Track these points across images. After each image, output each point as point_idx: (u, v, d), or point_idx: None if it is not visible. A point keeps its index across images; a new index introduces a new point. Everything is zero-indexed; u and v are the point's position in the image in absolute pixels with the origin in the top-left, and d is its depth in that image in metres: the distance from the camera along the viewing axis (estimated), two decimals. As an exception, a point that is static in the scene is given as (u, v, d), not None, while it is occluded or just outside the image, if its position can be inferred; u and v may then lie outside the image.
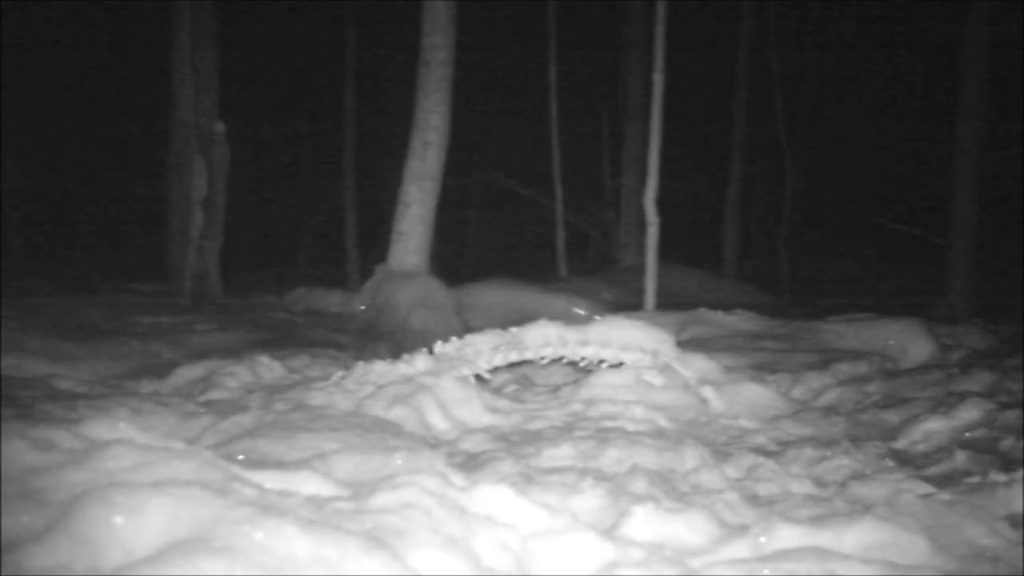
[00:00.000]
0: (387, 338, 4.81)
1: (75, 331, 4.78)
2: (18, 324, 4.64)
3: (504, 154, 14.53)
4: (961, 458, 2.79)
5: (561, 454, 2.72)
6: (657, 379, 3.68)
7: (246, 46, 12.50)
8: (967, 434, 3.15)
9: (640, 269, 6.27)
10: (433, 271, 7.30)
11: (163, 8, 7.58)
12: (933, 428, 3.22)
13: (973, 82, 8.18)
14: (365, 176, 12.64)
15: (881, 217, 12.32)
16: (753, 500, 2.36)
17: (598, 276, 9.94)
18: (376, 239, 9.39)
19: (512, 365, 3.82)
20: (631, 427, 3.15)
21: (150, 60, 10.71)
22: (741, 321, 5.89)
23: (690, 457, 2.71)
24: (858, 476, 2.63)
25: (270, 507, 1.54)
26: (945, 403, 3.49)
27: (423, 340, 4.19)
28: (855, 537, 1.76)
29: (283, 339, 5.08)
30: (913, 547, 1.74)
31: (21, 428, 1.76)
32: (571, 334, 3.79)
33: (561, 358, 3.83)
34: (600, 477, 2.43)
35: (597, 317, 3.66)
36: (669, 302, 6.65)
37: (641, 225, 6.93)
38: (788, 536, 1.77)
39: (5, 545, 1.39)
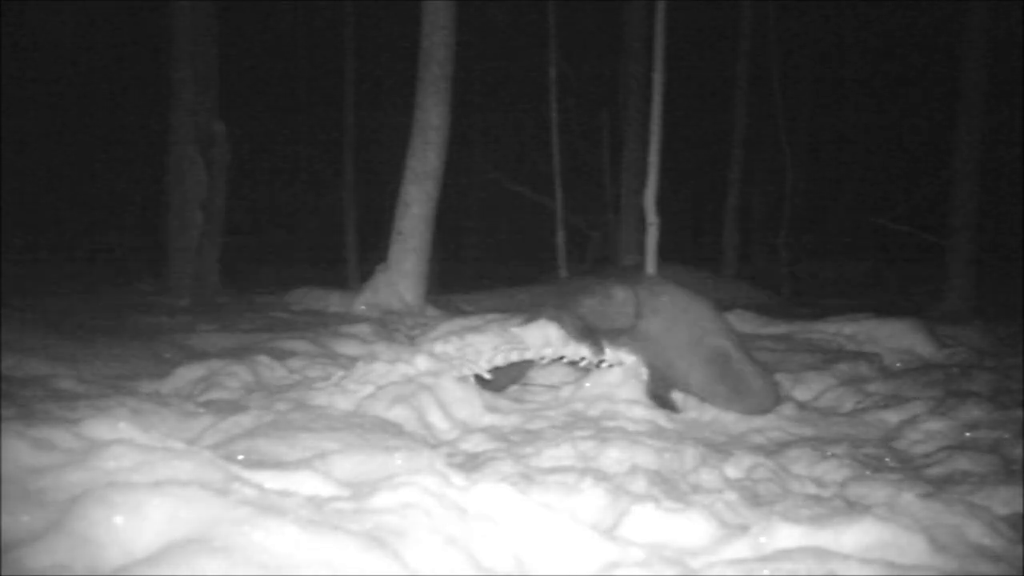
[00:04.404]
0: None
1: (75, 331, 4.78)
2: (18, 324, 4.63)
3: (504, 154, 14.55)
4: (961, 458, 2.79)
5: (561, 454, 2.72)
6: (657, 379, 3.68)
7: (246, 46, 12.52)
8: (967, 434, 3.16)
9: (640, 269, 6.27)
10: (433, 271, 7.30)
11: (163, 8, 7.58)
12: (933, 428, 3.23)
13: (973, 82, 8.18)
14: (365, 176, 12.64)
15: (881, 217, 12.33)
16: (753, 500, 2.36)
17: (597, 276, 9.93)
18: (376, 239, 9.39)
19: (512, 365, 3.82)
20: (631, 427, 3.15)
21: (150, 60, 10.71)
22: (741, 321, 5.90)
23: (690, 457, 2.71)
24: (858, 476, 2.64)
25: (270, 507, 1.54)
26: (945, 403, 3.49)
27: None
28: (855, 537, 1.76)
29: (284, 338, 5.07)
30: (913, 547, 1.74)
31: (21, 428, 1.76)
32: (571, 334, 3.79)
33: (561, 358, 3.83)
34: (600, 477, 2.43)
35: None
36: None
37: (641, 225, 6.93)
38: (788, 536, 1.77)
39: (5, 545, 1.39)
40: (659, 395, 3.60)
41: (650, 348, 3.63)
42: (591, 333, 3.71)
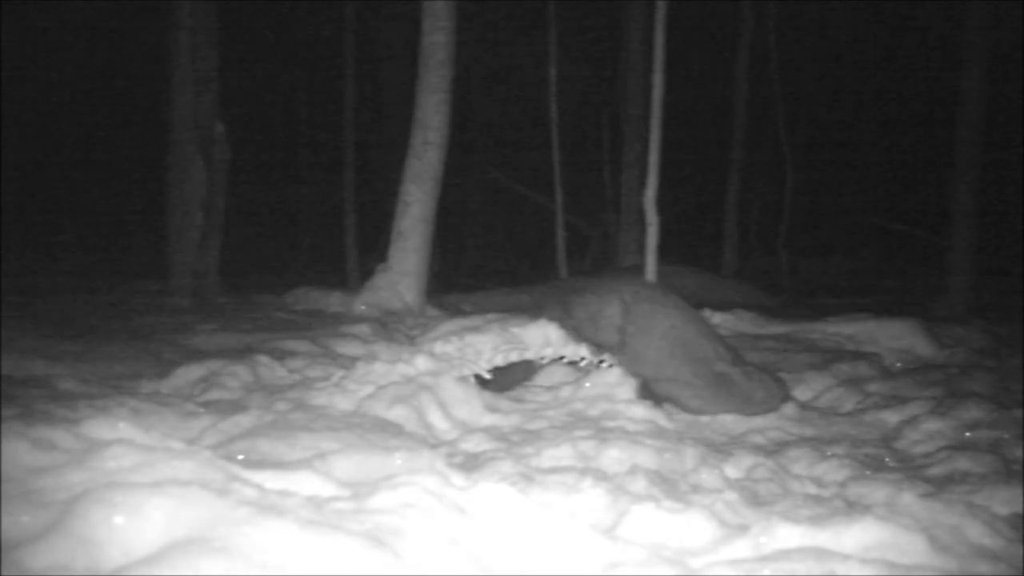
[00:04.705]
0: None
1: (75, 331, 4.78)
2: (18, 324, 4.63)
3: (504, 154, 14.54)
4: (961, 458, 2.79)
5: (561, 454, 2.72)
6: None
7: (246, 46, 12.51)
8: (967, 434, 3.16)
9: (640, 269, 6.27)
10: (433, 271, 7.30)
11: (163, 8, 7.57)
12: (933, 428, 3.23)
13: (973, 82, 8.17)
14: (365, 176, 12.64)
15: (881, 217, 12.33)
16: (753, 500, 2.36)
17: (598, 276, 9.92)
18: (376, 239, 9.39)
19: (519, 364, 3.82)
20: (631, 427, 3.15)
21: (150, 60, 10.71)
22: (741, 321, 5.90)
23: (690, 457, 2.71)
24: (858, 476, 2.64)
25: (270, 507, 1.54)
26: (945, 403, 3.49)
27: None
28: (855, 537, 1.76)
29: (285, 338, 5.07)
30: (913, 547, 1.74)
31: (21, 428, 1.76)
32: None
33: (561, 358, 3.83)
34: (600, 477, 2.43)
35: None
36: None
37: (641, 225, 6.93)
38: (788, 536, 1.77)
39: (5, 545, 1.39)
40: (650, 396, 3.59)
41: (639, 365, 3.62)
42: (586, 339, 3.71)
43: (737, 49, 11.96)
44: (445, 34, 6.57)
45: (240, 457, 2.39)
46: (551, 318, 3.82)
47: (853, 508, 2.28)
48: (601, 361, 3.75)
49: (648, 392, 3.59)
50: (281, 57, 14.30)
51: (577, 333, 3.70)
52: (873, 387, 4.03)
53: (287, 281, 8.91)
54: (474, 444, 2.92)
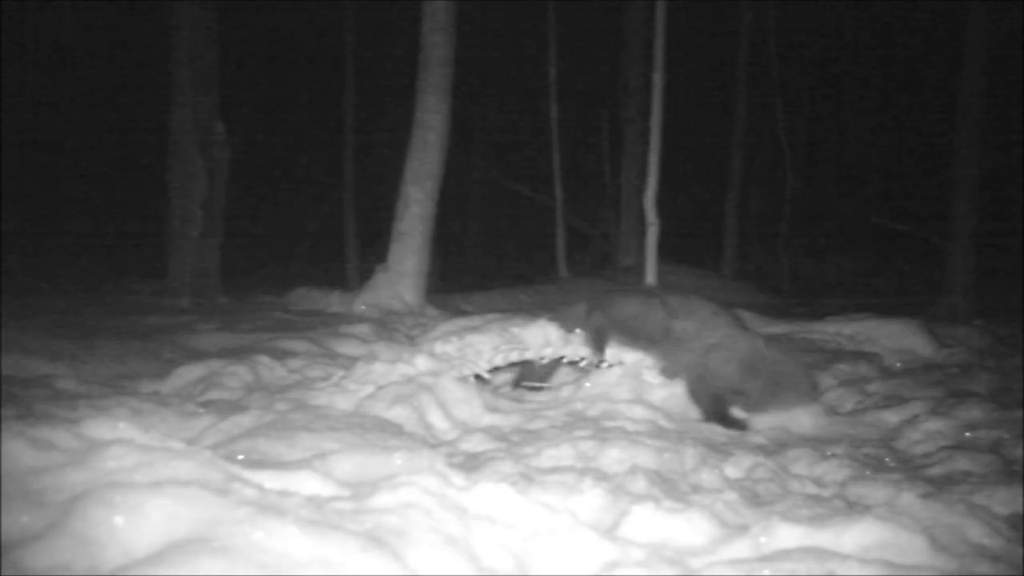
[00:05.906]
0: None
1: (75, 331, 4.78)
2: (18, 324, 4.63)
3: (504, 154, 14.55)
4: (961, 458, 2.79)
5: (561, 454, 2.72)
6: (657, 378, 3.68)
7: (246, 46, 12.51)
8: (967, 434, 3.16)
9: (640, 269, 6.28)
10: (433, 271, 7.30)
11: (163, 8, 7.57)
12: (933, 428, 3.23)
13: (973, 81, 8.18)
14: (365, 176, 12.64)
15: (881, 217, 12.33)
16: (753, 500, 2.36)
17: (598, 276, 9.93)
18: (376, 239, 9.39)
19: (512, 365, 3.82)
20: (631, 427, 3.14)
21: (150, 60, 10.71)
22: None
23: (690, 457, 2.71)
24: (858, 476, 2.64)
25: (270, 507, 1.54)
26: (945, 403, 3.49)
27: None
28: (855, 537, 1.76)
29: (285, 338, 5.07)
30: (913, 547, 1.74)
31: (21, 428, 1.76)
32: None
33: (561, 358, 3.83)
34: (600, 477, 2.43)
35: None
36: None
37: (641, 225, 6.94)
38: (788, 536, 1.77)
39: (5, 545, 1.39)
40: (718, 411, 3.43)
41: (687, 355, 3.56)
42: (606, 336, 3.68)
43: (737, 49, 11.97)
44: (445, 34, 6.57)
45: (240, 457, 2.39)
46: (573, 315, 3.80)
47: (853, 508, 2.28)
48: (601, 361, 3.75)
49: (699, 391, 3.51)
50: (281, 57, 14.30)
51: (600, 329, 3.68)
52: (873, 387, 4.03)
53: (287, 281, 8.91)
54: (474, 444, 2.92)
